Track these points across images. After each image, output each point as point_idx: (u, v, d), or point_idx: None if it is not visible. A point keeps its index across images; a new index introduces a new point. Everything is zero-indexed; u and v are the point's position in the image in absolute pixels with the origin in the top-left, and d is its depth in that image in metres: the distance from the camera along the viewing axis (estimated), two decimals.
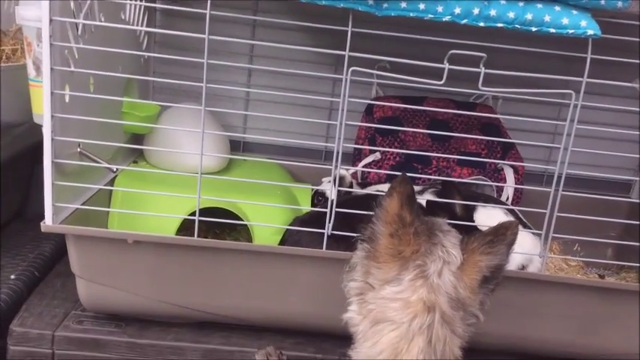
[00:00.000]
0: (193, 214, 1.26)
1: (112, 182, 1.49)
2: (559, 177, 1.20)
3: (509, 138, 1.66)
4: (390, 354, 0.86)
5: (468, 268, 0.90)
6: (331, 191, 1.22)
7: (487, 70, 1.10)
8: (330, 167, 1.23)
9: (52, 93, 1.10)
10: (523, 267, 1.31)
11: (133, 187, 1.46)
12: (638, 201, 1.79)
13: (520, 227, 1.30)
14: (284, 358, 1.28)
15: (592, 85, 1.17)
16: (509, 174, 1.58)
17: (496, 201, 1.40)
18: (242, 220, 1.42)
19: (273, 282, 1.28)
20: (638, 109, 1.28)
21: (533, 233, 1.34)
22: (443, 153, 1.59)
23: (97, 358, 1.26)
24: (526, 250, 1.31)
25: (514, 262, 1.31)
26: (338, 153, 1.17)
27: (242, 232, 1.63)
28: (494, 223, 1.25)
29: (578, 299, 1.28)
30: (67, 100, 1.17)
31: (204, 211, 1.28)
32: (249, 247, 1.26)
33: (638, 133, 1.44)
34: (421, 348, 0.85)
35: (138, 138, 1.64)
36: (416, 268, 0.88)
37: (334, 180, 1.26)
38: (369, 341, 0.89)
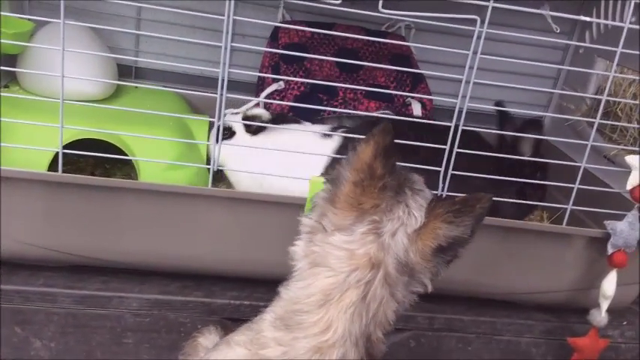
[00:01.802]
0: (75, 145, 1.12)
1: None
2: (460, 111, 1.14)
3: (420, 70, 1.59)
4: (320, 299, 0.81)
5: (425, 233, 0.83)
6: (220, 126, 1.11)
7: None
8: (233, 97, 1.14)
9: None
10: None
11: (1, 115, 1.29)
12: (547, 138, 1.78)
13: None
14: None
15: (502, 15, 1.10)
16: (417, 108, 1.51)
17: None
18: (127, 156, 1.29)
19: (163, 222, 1.18)
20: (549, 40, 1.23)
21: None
22: (350, 84, 1.50)
23: None
24: None
25: None
26: (223, 80, 1.06)
27: (134, 168, 1.49)
28: None
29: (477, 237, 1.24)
30: None
31: (88, 144, 1.14)
32: (127, 185, 1.14)
33: (548, 67, 1.40)
34: (353, 301, 0.80)
35: (10, 60, 1.45)
36: (371, 223, 0.82)
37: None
38: (302, 282, 0.83)
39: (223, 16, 1.07)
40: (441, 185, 1.22)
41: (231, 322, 1.20)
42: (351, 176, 0.83)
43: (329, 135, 1.33)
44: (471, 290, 1.34)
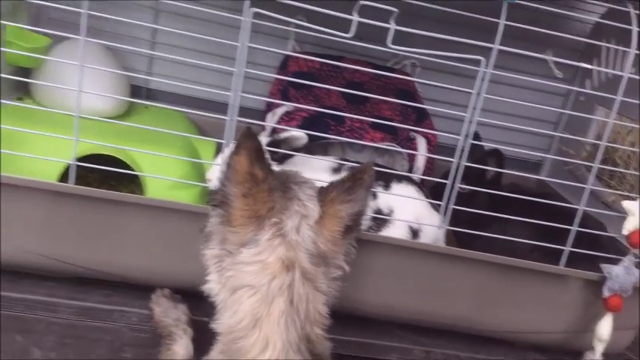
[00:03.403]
0: (83, 160, 1.14)
1: None
2: (462, 149, 1.19)
3: (424, 108, 1.63)
4: (251, 321, 0.81)
5: (328, 220, 0.85)
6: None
7: (397, 27, 1.04)
8: (242, 120, 1.15)
9: None
10: (414, 233, 1.27)
11: (13, 125, 1.31)
12: (545, 179, 1.82)
13: (420, 194, 1.29)
14: (178, 297, 1.21)
15: (505, 59, 1.14)
16: (422, 144, 1.54)
17: (408, 178, 1.36)
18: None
19: (165, 239, 1.19)
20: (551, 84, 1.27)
21: (430, 203, 1.31)
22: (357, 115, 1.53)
23: None
24: (418, 215, 1.28)
25: (427, 237, 1.29)
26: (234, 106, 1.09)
27: (140, 186, 1.52)
28: (408, 200, 1.25)
29: (477, 274, 1.27)
30: None
31: (97, 160, 1.16)
32: (133, 199, 1.16)
33: (549, 111, 1.44)
34: (282, 310, 0.80)
35: (25, 74, 1.49)
36: (272, 227, 0.83)
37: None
38: (229, 310, 0.84)
39: (235, 43, 1.11)
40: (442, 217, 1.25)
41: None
42: (237, 190, 0.83)
43: (338, 169, 1.33)
44: (468, 326, 1.35)
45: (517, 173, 1.42)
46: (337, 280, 0.88)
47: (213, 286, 0.87)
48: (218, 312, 0.87)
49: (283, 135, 1.25)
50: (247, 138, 0.83)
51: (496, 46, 1.08)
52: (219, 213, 0.87)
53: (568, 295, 1.30)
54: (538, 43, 1.31)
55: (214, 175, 1.29)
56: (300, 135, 1.26)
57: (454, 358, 1.34)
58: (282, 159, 1.28)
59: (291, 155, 1.29)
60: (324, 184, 0.90)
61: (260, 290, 0.81)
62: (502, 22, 1.06)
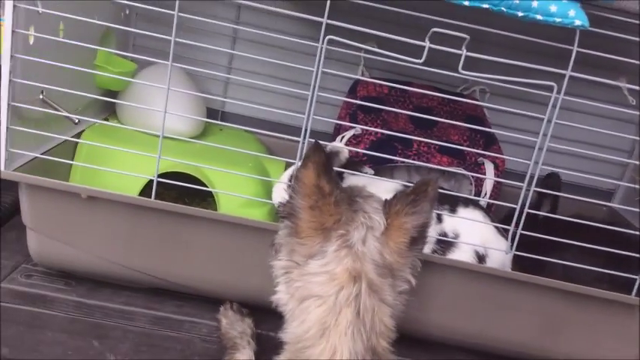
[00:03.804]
0: (161, 178, 1.22)
1: (78, 137, 1.44)
2: (531, 176, 1.18)
3: (493, 133, 1.62)
4: (318, 330, 0.83)
5: (394, 232, 0.87)
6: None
7: (468, 53, 1.06)
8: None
9: (13, 32, 1.05)
10: (480, 258, 1.27)
11: (98, 142, 1.41)
12: (617, 206, 1.77)
13: (486, 218, 1.29)
14: (245, 310, 1.25)
15: (577, 86, 1.13)
16: (490, 169, 1.54)
17: (475, 202, 1.37)
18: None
19: (236, 254, 1.24)
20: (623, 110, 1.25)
21: (497, 228, 1.31)
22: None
23: (42, 314, 1.22)
24: (485, 240, 1.28)
25: (493, 262, 1.28)
26: (306, 129, 1.13)
27: (212, 204, 1.58)
28: (474, 224, 1.25)
29: (543, 300, 1.25)
30: (31, 42, 1.12)
31: (174, 177, 1.23)
32: (207, 215, 1.21)
33: (622, 138, 1.41)
34: (349, 320, 0.82)
35: (112, 96, 1.59)
36: (339, 238, 0.85)
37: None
38: (296, 320, 0.86)
39: (303, 67, 1.15)
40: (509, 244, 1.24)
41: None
42: (305, 203, 0.86)
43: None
44: (532, 354, 1.33)
45: (579, 198, 1.39)
46: (404, 293, 0.89)
47: (281, 296, 0.90)
48: (286, 322, 0.89)
49: (329, 147, 1.30)
50: (315, 152, 0.87)
51: (569, 72, 1.08)
52: (287, 225, 0.90)
53: (638, 324, 1.27)
54: (611, 70, 1.30)
55: (278, 194, 1.36)
56: (342, 149, 1.31)
57: None
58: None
59: (341, 173, 1.35)
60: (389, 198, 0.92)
61: (328, 300, 0.83)
62: (575, 48, 1.06)
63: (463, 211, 1.31)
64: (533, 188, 1.22)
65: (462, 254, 1.26)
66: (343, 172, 1.37)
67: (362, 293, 0.83)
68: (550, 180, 1.50)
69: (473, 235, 1.27)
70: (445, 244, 1.26)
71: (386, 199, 0.92)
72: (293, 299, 0.87)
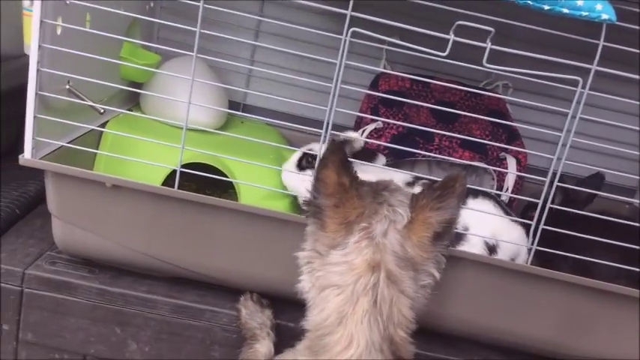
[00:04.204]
0: (185, 167, 1.23)
1: (103, 127, 1.46)
2: (554, 173, 1.17)
3: (516, 128, 1.61)
4: (336, 318, 0.85)
5: (417, 226, 0.88)
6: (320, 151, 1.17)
7: (493, 46, 1.05)
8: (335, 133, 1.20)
9: (41, 22, 1.06)
10: (491, 250, 1.26)
11: (122, 132, 1.42)
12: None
13: (497, 208, 1.28)
14: (265, 301, 1.27)
15: (601, 81, 1.12)
16: (512, 164, 1.53)
17: (485, 192, 1.36)
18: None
19: (256, 245, 1.25)
20: None
21: (521, 223, 1.30)
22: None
23: (65, 301, 1.24)
24: (495, 231, 1.27)
25: (504, 253, 1.27)
26: (329, 122, 1.13)
27: (233, 196, 1.59)
28: (483, 215, 1.24)
29: (566, 296, 1.25)
30: (58, 32, 1.13)
31: (195, 168, 1.24)
32: (229, 205, 1.22)
33: None
34: (366, 309, 0.84)
35: (136, 88, 1.61)
36: (361, 231, 0.87)
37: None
38: (317, 308, 0.88)
39: (326, 59, 1.15)
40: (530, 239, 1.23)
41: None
42: (329, 202, 0.87)
43: (412, 183, 1.36)
44: (552, 350, 1.32)
45: (607, 195, 1.38)
46: (427, 287, 0.90)
47: (304, 285, 0.92)
48: (307, 310, 0.91)
49: (342, 136, 1.31)
50: (333, 150, 0.88)
51: (594, 67, 1.07)
52: (313, 221, 0.92)
53: None
54: (636, 66, 1.28)
55: (289, 177, 1.40)
56: (356, 137, 1.31)
57: None
58: None
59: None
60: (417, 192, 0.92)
61: (346, 290, 0.85)
62: (601, 43, 1.05)
63: (472, 203, 1.29)
64: (556, 184, 1.21)
65: (471, 247, 1.25)
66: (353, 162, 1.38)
67: (380, 283, 0.84)
68: (594, 179, 1.53)
69: (482, 226, 1.26)
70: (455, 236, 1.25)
71: (413, 194, 0.92)
72: (314, 288, 0.89)
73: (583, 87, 1.11)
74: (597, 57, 1.07)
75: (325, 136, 1.17)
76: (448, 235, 0.91)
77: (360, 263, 0.85)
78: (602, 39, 1.06)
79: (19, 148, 1.39)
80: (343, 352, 0.83)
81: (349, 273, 0.85)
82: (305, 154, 1.43)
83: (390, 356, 0.85)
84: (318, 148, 1.32)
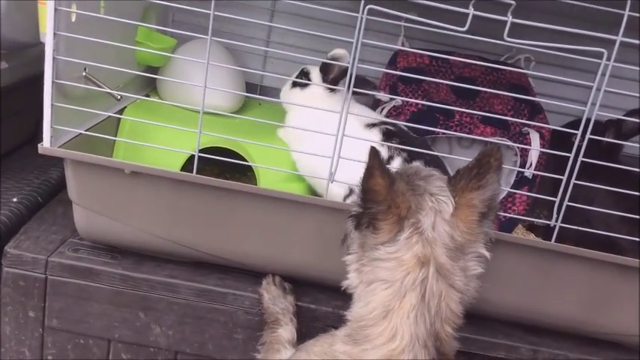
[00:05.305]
0: (203, 152, 1.22)
1: (120, 114, 1.46)
2: (579, 145, 1.14)
3: (538, 102, 1.58)
4: (382, 312, 0.84)
5: (463, 211, 0.86)
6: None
7: (514, 20, 1.02)
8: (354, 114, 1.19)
9: (55, 9, 1.06)
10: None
11: (140, 119, 1.42)
12: None
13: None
14: (288, 285, 1.27)
15: (625, 53, 1.08)
16: (535, 139, 1.50)
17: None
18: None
19: (276, 228, 1.25)
20: None
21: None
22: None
23: (89, 287, 1.25)
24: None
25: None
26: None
27: (252, 179, 1.59)
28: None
29: (587, 272, 1.23)
30: (73, 19, 1.13)
31: (214, 152, 1.24)
32: (248, 189, 1.21)
33: None
34: (413, 305, 0.83)
35: (153, 72, 1.60)
36: (411, 226, 0.86)
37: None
38: (362, 301, 0.88)
39: (343, 39, 1.13)
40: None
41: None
42: (383, 207, 0.86)
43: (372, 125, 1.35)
44: (577, 327, 1.31)
45: (627, 168, 1.34)
46: (477, 278, 0.88)
47: (352, 281, 0.91)
48: (352, 302, 0.91)
49: (332, 53, 1.37)
50: (374, 159, 0.86)
51: (619, 38, 1.03)
52: (364, 231, 0.89)
53: None
54: None
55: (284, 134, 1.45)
56: (342, 55, 1.36)
57: (562, 358, 1.30)
58: (333, 81, 1.43)
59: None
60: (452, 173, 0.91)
61: (394, 285, 0.84)
62: (626, 12, 1.01)
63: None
64: (580, 159, 1.18)
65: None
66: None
67: (429, 278, 0.84)
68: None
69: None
70: None
71: (449, 177, 0.90)
72: (362, 283, 0.89)
73: (608, 59, 1.07)
74: (622, 28, 1.03)
75: (344, 113, 1.15)
76: (493, 211, 0.88)
77: (410, 259, 0.84)
78: (627, 9, 1.02)
79: (40, 136, 1.42)
80: (386, 344, 0.83)
81: (398, 269, 0.84)
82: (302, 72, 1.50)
83: (433, 352, 0.84)
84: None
